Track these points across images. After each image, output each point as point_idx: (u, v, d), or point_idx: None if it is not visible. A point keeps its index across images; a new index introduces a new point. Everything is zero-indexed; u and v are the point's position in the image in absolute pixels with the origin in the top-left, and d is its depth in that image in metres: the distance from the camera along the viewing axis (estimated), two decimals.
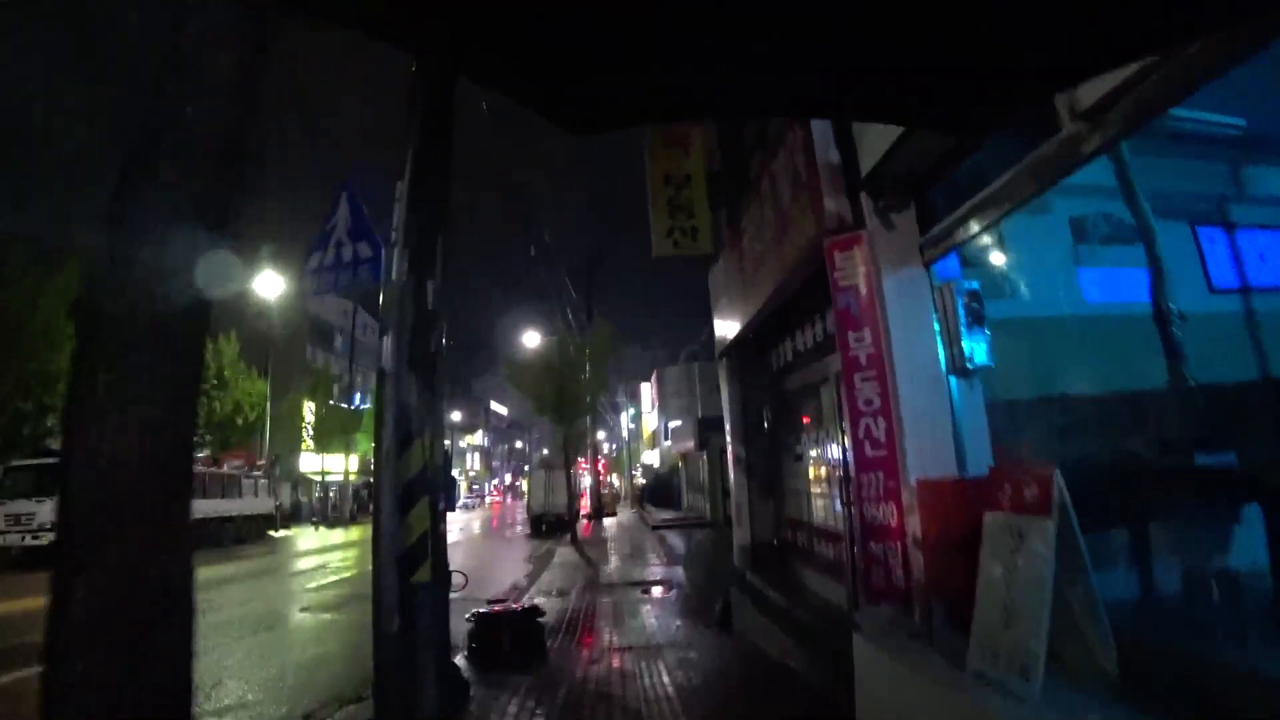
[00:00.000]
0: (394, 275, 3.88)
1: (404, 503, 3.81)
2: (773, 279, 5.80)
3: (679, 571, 11.56)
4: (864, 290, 4.07)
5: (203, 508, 20.21)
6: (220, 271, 2.45)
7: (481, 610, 6.29)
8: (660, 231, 8.42)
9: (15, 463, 16.95)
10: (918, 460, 3.73)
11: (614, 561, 13.37)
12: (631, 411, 54.68)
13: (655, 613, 8.17)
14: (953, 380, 3.83)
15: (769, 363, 7.58)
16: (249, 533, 22.69)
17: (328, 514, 36.30)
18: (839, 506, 5.64)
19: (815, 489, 6.24)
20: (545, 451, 62.82)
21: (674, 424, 44.59)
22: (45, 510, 15.95)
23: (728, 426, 8.34)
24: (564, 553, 15.28)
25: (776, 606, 6.05)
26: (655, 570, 11.91)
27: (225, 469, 22.76)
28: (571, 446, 19.15)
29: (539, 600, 9.22)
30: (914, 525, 3.56)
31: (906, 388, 3.82)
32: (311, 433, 35.49)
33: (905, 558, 3.72)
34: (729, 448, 8.27)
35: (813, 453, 6.34)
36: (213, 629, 8.58)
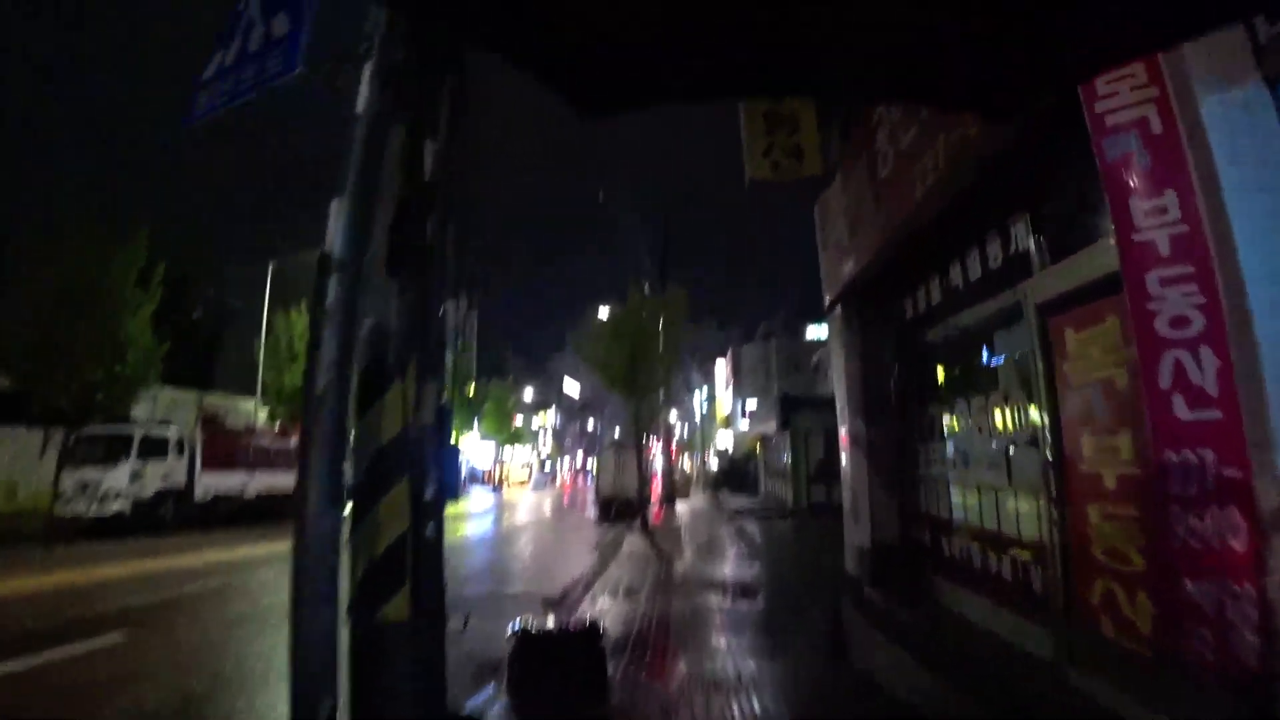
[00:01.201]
0: (359, 105, 2.41)
1: (368, 486, 2.35)
2: (928, 176, 4.03)
3: (764, 572, 9.92)
4: (1157, 126, 2.29)
5: (266, 481, 19.97)
6: None
7: (526, 628, 4.71)
8: (755, 151, 6.71)
9: (86, 431, 16.90)
10: None
11: (689, 555, 11.83)
12: (704, 392, 52.96)
13: (743, 629, 6.56)
14: None
15: (900, 311, 5.80)
16: None
17: None
18: (1016, 504, 3.90)
19: (977, 478, 4.46)
20: (617, 432, 61.95)
21: (751, 404, 42.66)
22: (113, 477, 15.82)
23: (840, 396, 6.60)
24: (633, 542, 13.86)
25: (920, 641, 4.35)
26: (737, 569, 10.29)
27: (293, 442, 22.50)
28: (643, 425, 17.68)
29: (603, 602, 7.79)
30: None
31: (1262, 293, 2.05)
32: None
33: (1266, 610, 1.97)
34: (844, 424, 6.51)
35: (974, 427, 4.56)
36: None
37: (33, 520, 16.62)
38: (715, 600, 7.85)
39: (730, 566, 10.36)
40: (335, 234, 2.09)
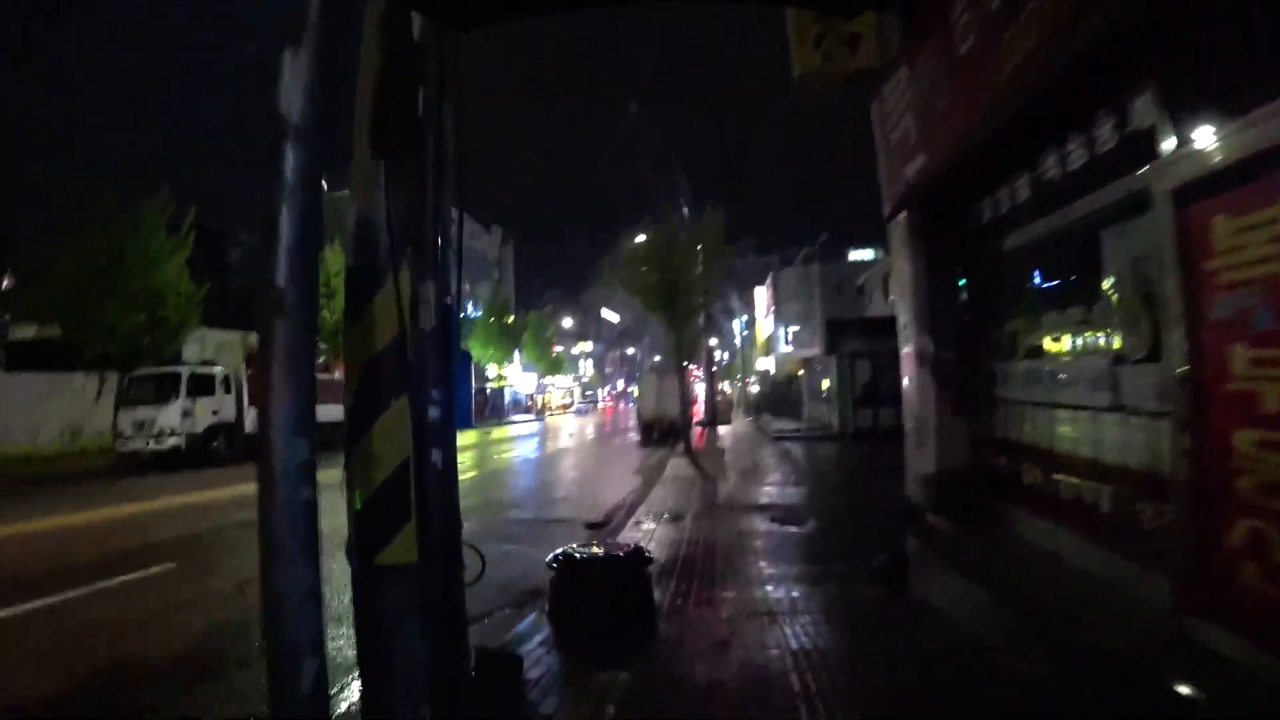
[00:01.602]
0: None
1: (360, 407, 1.99)
2: (1026, 42, 3.35)
3: (813, 496, 9.63)
4: None
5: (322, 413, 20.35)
6: None
7: (569, 551, 4.47)
8: (804, 41, 5.97)
9: (137, 372, 17.37)
10: None
11: (734, 478, 11.62)
12: (744, 319, 52.13)
13: (796, 555, 6.29)
14: None
15: (976, 216, 5.16)
16: None
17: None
18: (1124, 429, 3.42)
19: (1073, 398, 3.96)
20: (657, 359, 61.69)
21: (794, 328, 41.87)
22: (166, 415, 16.28)
23: (904, 312, 6.06)
24: (677, 465, 13.72)
25: (995, 576, 3.97)
26: (784, 491, 10.03)
27: (337, 375, 22.84)
28: (684, 350, 17.28)
29: (648, 526, 7.61)
30: None
31: None
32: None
33: None
34: (908, 343, 5.99)
35: (1069, 342, 4.02)
36: None
37: (98, 458, 17.38)
38: (763, 525, 7.59)
39: (777, 490, 10.10)
40: (291, 92, 1.64)
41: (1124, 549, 3.37)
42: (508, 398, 54.93)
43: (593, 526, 8.00)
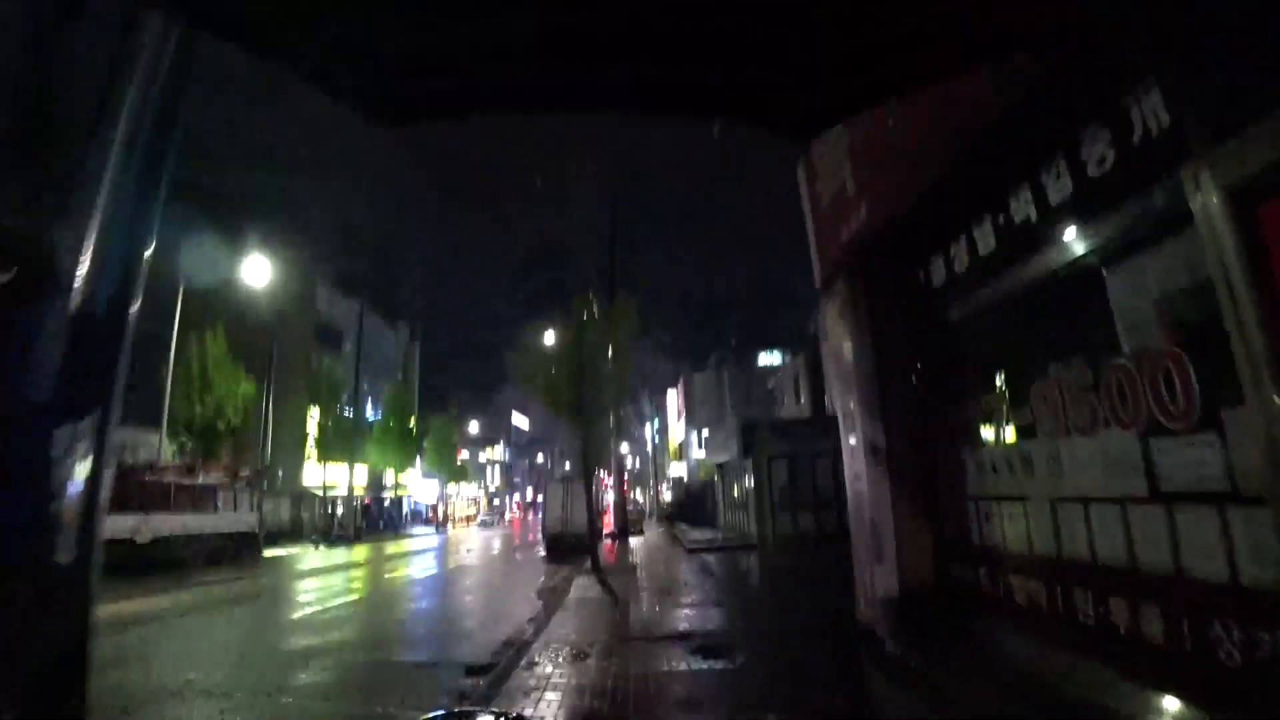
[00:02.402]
0: None
1: None
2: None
3: (739, 620, 8.36)
4: None
5: (165, 524, 17.47)
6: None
7: None
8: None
9: None
10: None
11: (648, 599, 10.18)
12: (655, 425, 51.56)
13: (729, 704, 4.98)
14: None
15: (925, 279, 4.43)
16: (226, 554, 19.84)
17: (332, 531, 33.53)
18: (1173, 524, 2.52)
19: (1080, 489, 3.04)
20: (567, 466, 59.44)
21: (707, 432, 41.36)
22: None
23: (841, 398, 5.16)
24: (584, 584, 12.11)
25: None
26: (706, 614, 8.70)
27: (200, 479, 19.96)
28: (592, 454, 16.00)
29: (544, 671, 6.09)
30: None
31: None
32: (315, 443, 32.82)
33: None
34: (851, 432, 5.06)
35: (1069, 416, 3.15)
36: None
37: None
38: (685, 662, 6.23)
39: (697, 612, 8.75)
40: None
41: (1186, 688, 2.37)
42: (406, 508, 51.02)
43: (475, 672, 6.38)
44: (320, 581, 15.16)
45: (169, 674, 6.49)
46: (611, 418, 17.65)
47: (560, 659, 6.47)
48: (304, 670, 6.69)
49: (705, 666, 6.05)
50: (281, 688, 6.01)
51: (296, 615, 10.33)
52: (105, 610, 8.60)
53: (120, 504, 16.54)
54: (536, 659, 6.49)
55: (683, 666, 6.06)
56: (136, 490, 17.26)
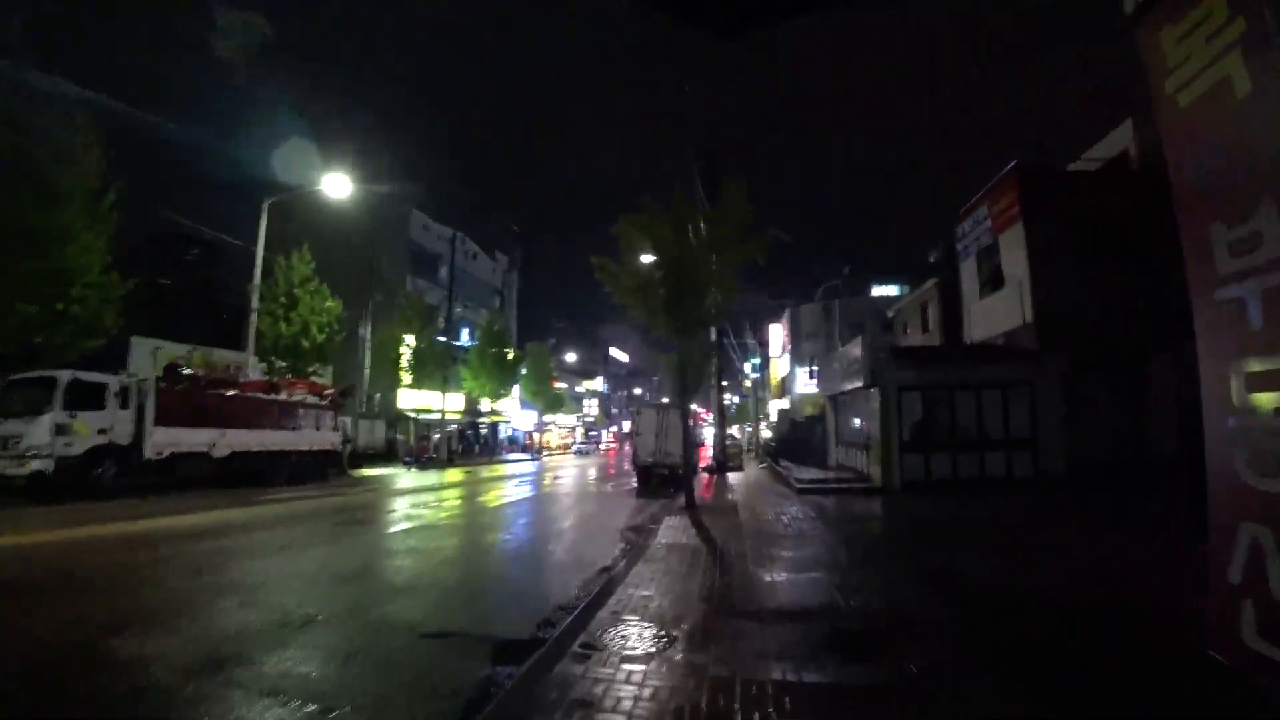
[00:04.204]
0: None
1: None
2: None
3: (884, 588, 5.96)
4: None
5: (242, 440, 16.90)
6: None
7: None
8: None
9: (14, 377, 13.97)
10: None
11: (754, 551, 7.95)
12: (756, 360, 48.59)
13: None
14: None
15: None
16: (309, 471, 19.38)
17: (428, 454, 33.53)
18: None
19: None
20: (666, 402, 57.30)
21: (819, 362, 38.27)
22: (34, 431, 12.83)
23: None
24: (675, 526, 10.05)
25: None
26: (834, 579, 6.35)
27: (284, 396, 19.42)
28: (691, 375, 13.67)
29: (602, 671, 3.96)
30: None
31: None
32: (409, 367, 32.50)
33: None
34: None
35: None
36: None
37: None
38: (818, 665, 3.95)
39: (825, 578, 6.42)
40: None
41: None
42: (502, 435, 51.31)
43: (505, 659, 4.38)
44: (389, 503, 14.02)
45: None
46: (714, 333, 15.17)
47: (630, 644, 4.36)
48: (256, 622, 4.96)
49: (854, 679, 3.74)
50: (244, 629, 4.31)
51: (321, 548, 8.88)
52: (200, 517, 7.32)
53: (196, 419, 16.00)
54: (597, 640, 4.41)
55: (816, 676, 3.78)
56: (215, 405, 16.71)
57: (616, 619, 4.99)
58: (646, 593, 5.85)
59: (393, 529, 10.42)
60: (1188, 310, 3.61)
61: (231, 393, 17.47)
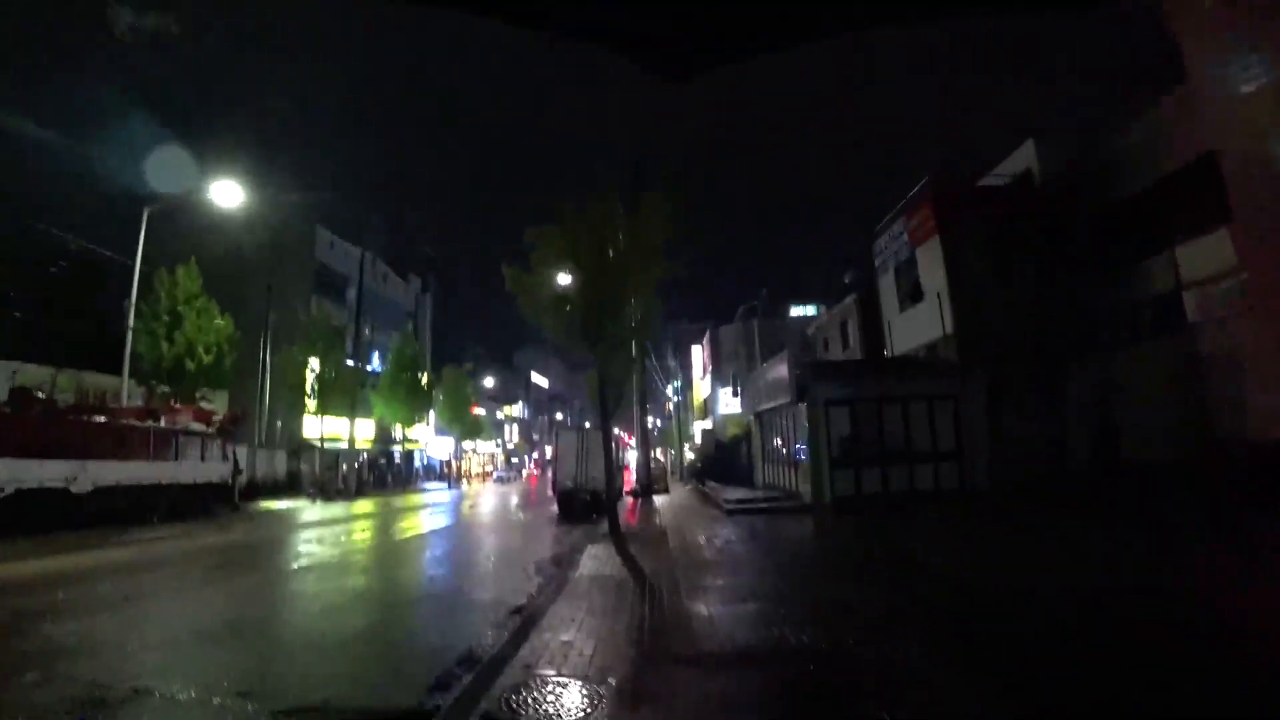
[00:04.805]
0: None
1: None
2: None
3: (842, 621, 5.31)
4: None
5: (109, 473, 14.87)
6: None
7: None
8: None
9: None
10: None
11: (688, 581, 7.19)
12: (677, 383, 48.44)
13: None
14: None
15: None
16: (191, 507, 17.31)
17: (334, 485, 31.21)
18: None
19: None
20: (588, 425, 56.39)
21: (742, 382, 38.34)
22: None
23: None
24: (598, 556, 9.17)
25: None
26: (780, 613, 5.66)
27: (163, 423, 17.32)
28: (611, 395, 12.88)
29: (524, 708, 3.07)
30: None
31: None
32: (314, 393, 30.24)
33: None
34: None
35: None
36: None
37: None
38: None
39: (769, 610, 5.72)
40: None
41: None
42: (418, 463, 48.82)
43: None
44: (279, 541, 12.47)
45: None
46: (634, 349, 14.46)
47: (544, 709, 3.48)
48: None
49: None
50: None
51: (182, 599, 7.55)
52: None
53: (50, 449, 13.92)
54: (498, 712, 3.51)
55: None
56: (75, 434, 14.63)
57: (529, 674, 4.09)
58: (566, 637, 4.96)
59: (275, 571, 9.06)
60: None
61: (98, 419, 15.37)
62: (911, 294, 19.35)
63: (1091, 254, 15.10)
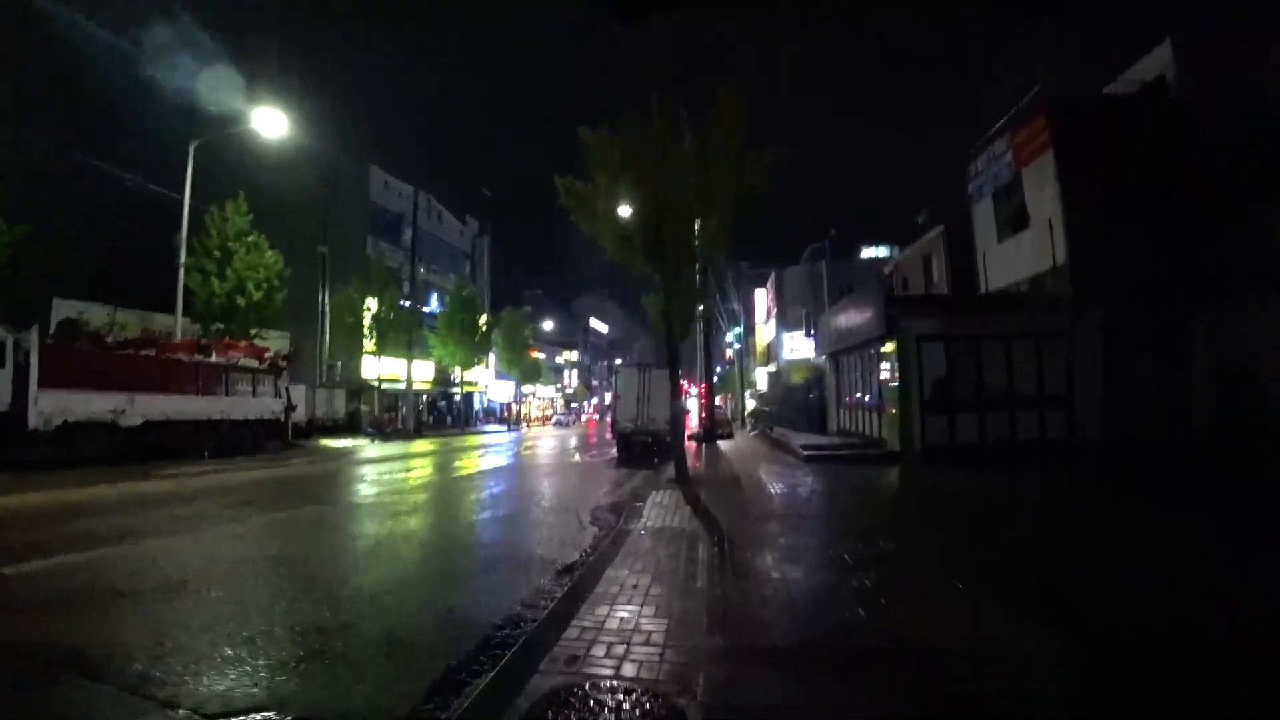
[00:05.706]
0: None
1: None
2: None
3: (999, 604, 3.91)
4: None
5: (158, 406, 14.52)
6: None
7: None
8: None
9: None
10: None
11: (779, 543, 5.89)
12: (738, 330, 46.56)
13: None
14: None
15: None
16: (243, 442, 17.03)
17: (393, 425, 31.20)
18: None
19: None
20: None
21: (814, 322, 36.43)
22: None
23: None
24: (664, 505, 7.96)
25: None
26: (910, 585, 4.31)
27: (213, 359, 16.95)
28: (677, 324, 11.42)
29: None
30: None
31: None
32: (371, 334, 29.97)
33: None
34: None
35: None
36: None
37: None
38: None
39: (880, 584, 4.36)
40: None
41: None
42: (478, 405, 48.98)
43: None
44: (320, 478, 11.81)
45: None
46: (701, 272, 12.92)
47: (610, 699, 2.26)
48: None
49: None
50: None
51: (175, 540, 6.68)
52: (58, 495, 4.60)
53: (97, 382, 13.57)
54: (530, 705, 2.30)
55: None
56: (122, 367, 14.27)
57: (576, 672, 2.87)
58: (626, 613, 3.74)
59: (293, 511, 8.17)
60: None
61: (145, 353, 14.99)
62: (1014, 222, 17.03)
63: (1230, 185, 12.62)
